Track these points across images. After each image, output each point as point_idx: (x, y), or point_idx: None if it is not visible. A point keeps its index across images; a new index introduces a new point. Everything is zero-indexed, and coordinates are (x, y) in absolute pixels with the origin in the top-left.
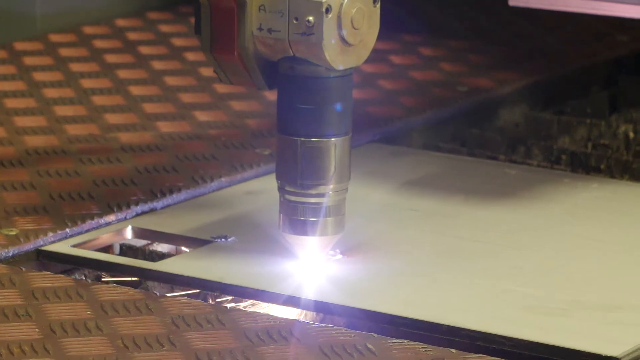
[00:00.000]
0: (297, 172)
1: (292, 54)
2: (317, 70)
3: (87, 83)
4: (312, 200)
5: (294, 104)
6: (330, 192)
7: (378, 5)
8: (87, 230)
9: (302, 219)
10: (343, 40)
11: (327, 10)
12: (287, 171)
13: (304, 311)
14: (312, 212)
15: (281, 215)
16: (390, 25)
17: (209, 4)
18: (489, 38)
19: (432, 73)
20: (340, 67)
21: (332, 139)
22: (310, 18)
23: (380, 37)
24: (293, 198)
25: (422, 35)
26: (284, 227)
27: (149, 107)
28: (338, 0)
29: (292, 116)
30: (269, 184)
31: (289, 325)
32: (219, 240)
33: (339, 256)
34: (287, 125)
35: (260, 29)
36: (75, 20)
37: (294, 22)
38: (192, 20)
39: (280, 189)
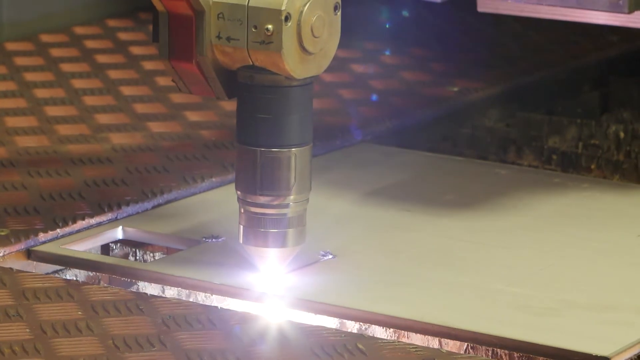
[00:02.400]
0: (256, 183)
1: (251, 63)
2: (277, 79)
3: (78, 83)
4: (272, 211)
5: (254, 113)
6: (291, 203)
7: (339, 13)
8: (78, 231)
9: (262, 230)
10: (303, 48)
11: (287, 19)
12: (246, 182)
13: (295, 311)
14: (272, 224)
15: (241, 226)
16: (380, 27)
17: (167, 12)
18: (479, 38)
19: (422, 73)
20: (300, 76)
21: (292, 149)
22: (270, 26)
23: (369, 38)
24: (253, 209)
25: (412, 37)
26: (244, 238)
27: (140, 108)
28: (297, 8)
29: (251, 126)
30: None
31: (280, 325)
32: (210, 240)
33: (330, 256)
34: (247, 135)
35: (219, 37)
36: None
37: (253, 30)
38: None
39: (240, 200)
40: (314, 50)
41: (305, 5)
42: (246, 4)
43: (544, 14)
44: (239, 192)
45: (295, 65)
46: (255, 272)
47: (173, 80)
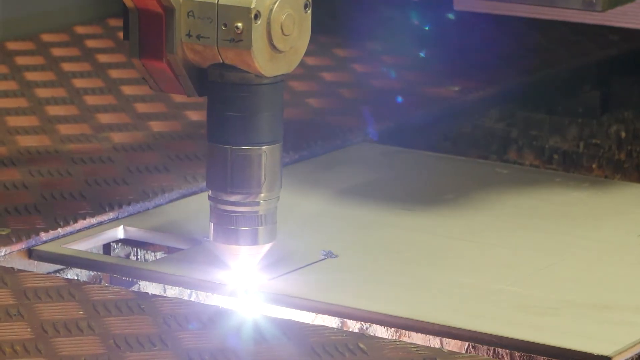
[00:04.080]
0: (227, 181)
1: (221, 61)
2: (247, 77)
3: (79, 83)
4: (243, 209)
5: (224, 111)
6: (262, 201)
7: (309, 11)
8: (79, 230)
9: (233, 228)
10: (273, 46)
11: (256, 17)
12: (217, 180)
13: (297, 311)
14: (243, 221)
15: (212, 224)
16: (380, 27)
17: (137, 10)
18: (480, 37)
19: (423, 73)
20: (270, 74)
21: (263, 147)
22: (239, 24)
23: (371, 37)
24: (224, 207)
25: (411, 35)
26: (214, 236)
27: (141, 107)
28: (267, 6)
29: (221, 124)
30: None
31: (281, 324)
32: (210, 239)
33: (331, 256)
34: (217, 134)
35: (189, 35)
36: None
37: (223, 28)
38: None
39: (211, 198)
40: (284, 49)
41: (275, 3)
42: (216, 2)
43: (519, 12)
44: (210, 190)
45: (265, 63)
46: (257, 272)
47: (144, 78)
